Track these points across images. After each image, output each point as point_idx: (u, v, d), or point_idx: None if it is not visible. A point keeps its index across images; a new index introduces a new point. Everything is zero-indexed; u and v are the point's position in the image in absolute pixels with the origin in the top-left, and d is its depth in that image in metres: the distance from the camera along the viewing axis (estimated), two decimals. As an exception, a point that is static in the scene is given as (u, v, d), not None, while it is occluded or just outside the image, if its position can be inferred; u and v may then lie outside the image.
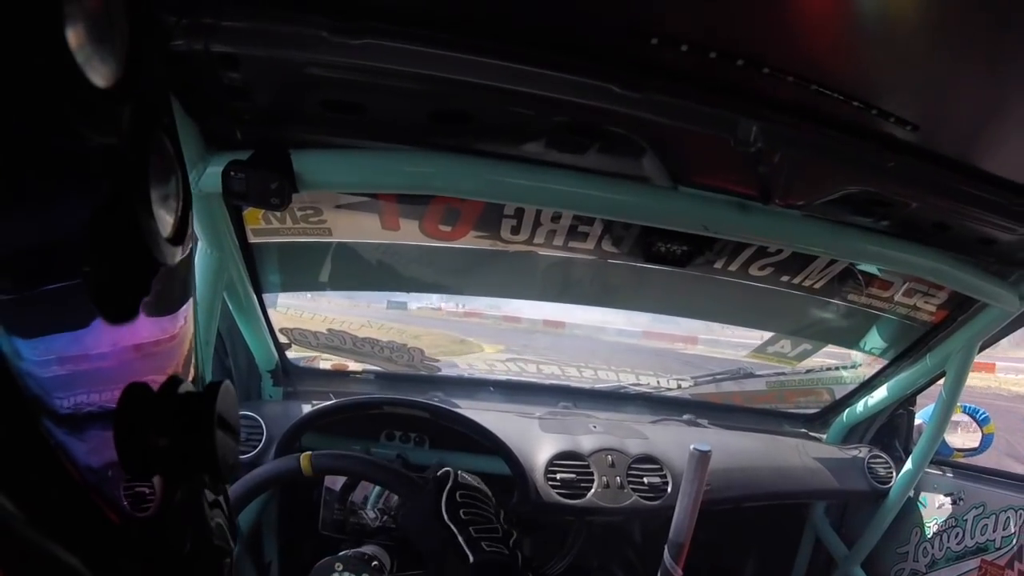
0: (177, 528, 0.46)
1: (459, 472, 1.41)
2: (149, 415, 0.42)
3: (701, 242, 1.64)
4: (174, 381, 0.46)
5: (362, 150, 1.25)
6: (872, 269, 1.89)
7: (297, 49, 0.98)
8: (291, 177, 1.21)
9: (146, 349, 0.44)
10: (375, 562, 1.45)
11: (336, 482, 1.71)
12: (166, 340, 0.48)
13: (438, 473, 1.40)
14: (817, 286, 1.91)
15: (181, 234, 0.45)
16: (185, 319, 0.51)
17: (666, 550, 1.47)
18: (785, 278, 1.87)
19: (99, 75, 0.35)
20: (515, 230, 1.65)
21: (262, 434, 1.87)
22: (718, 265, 1.79)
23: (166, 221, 0.44)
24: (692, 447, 1.42)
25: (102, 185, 0.38)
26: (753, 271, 1.82)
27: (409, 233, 1.69)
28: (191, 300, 0.53)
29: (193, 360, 0.53)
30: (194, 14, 0.92)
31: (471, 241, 1.72)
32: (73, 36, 0.33)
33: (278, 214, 1.62)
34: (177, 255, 0.45)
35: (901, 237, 1.50)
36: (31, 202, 0.33)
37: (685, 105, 1.09)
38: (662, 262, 1.70)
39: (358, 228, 1.69)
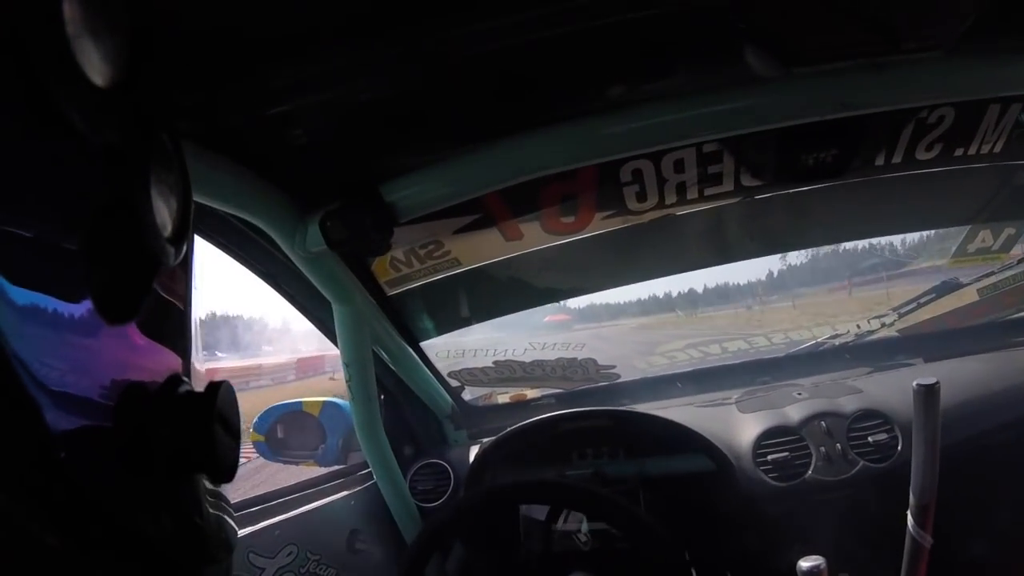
0: (175, 527, 0.45)
1: None
2: (149, 413, 0.42)
3: (850, 139, 1.42)
4: (174, 380, 0.46)
5: (447, 160, 1.22)
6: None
7: (342, 82, 0.98)
8: (385, 209, 1.22)
9: (147, 349, 0.44)
10: None
11: (533, 510, 1.63)
12: (166, 341, 0.47)
13: None
14: (998, 149, 1.57)
15: (181, 234, 0.45)
16: (185, 320, 0.51)
17: (909, 515, 1.26)
18: (959, 151, 1.55)
19: (100, 74, 0.36)
20: (641, 196, 1.50)
21: (450, 480, 1.85)
22: (880, 161, 1.53)
23: (167, 221, 0.44)
24: (915, 383, 1.21)
25: (103, 185, 0.38)
26: (921, 155, 1.53)
27: (534, 237, 1.61)
28: (191, 299, 0.52)
29: (191, 361, 0.52)
30: (239, 87, 0.95)
31: (600, 225, 1.60)
32: (73, 34, 0.33)
33: (403, 259, 1.61)
34: (178, 256, 0.45)
35: None
36: (31, 201, 0.33)
37: None
38: (816, 178, 1.50)
39: (483, 249, 1.64)
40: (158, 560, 0.41)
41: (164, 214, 0.43)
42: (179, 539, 0.45)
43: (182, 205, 0.46)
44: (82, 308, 0.36)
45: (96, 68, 0.35)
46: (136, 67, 0.39)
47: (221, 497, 0.53)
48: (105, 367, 0.39)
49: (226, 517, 0.53)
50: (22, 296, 0.31)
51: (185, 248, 0.46)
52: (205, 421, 0.43)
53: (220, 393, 0.45)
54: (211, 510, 0.50)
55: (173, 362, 0.48)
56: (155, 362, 0.45)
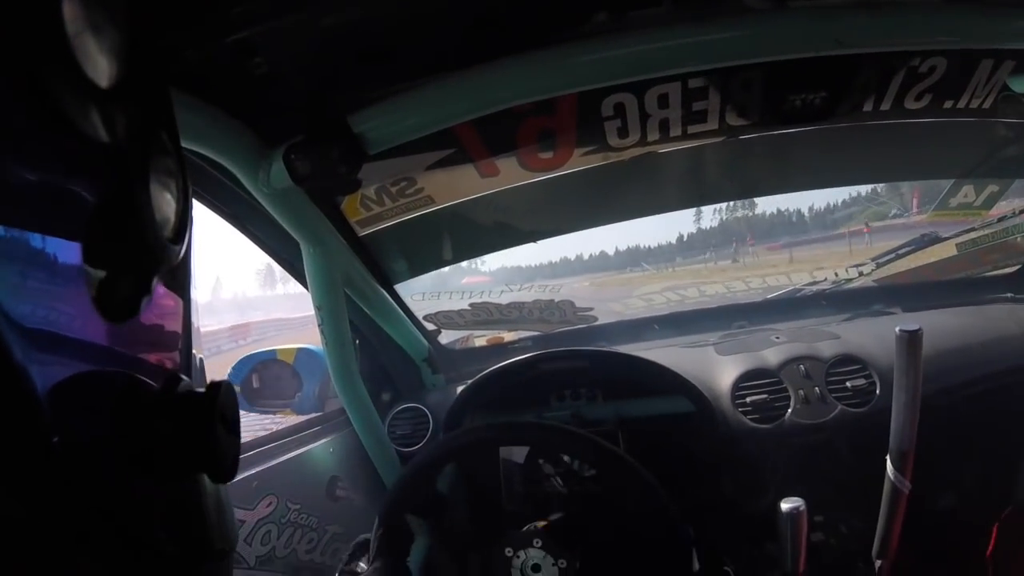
0: (177, 525, 0.45)
1: None
2: (149, 413, 0.42)
3: (839, 83, 1.39)
4: (174, 379, 0.46)
5: (419, 87, 1.15)
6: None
7: (303, 5, 0.94)
8: (352, 141, 1.15)
9: (146, 348, 0.45)
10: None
11: (512, 452, 1.62)
12: (166, 339, 0.48)
13: None
14: (987, 105, 1.56)
15: (181, 233, 0.46)
16: (185, 318, 0.51)
17: (888, 461, 1.27)
18: (948, 103, 1.53)
19: (100, 74, 0.36)
20: (622, 132, 1.45)
21: (428, 424, 1.84)
22: (868, 107, 1.50)
23: (167, 220, 0.44)
24: (898, 329, 1.20)
25: (103, 184, 0.38)
26: (910, 104, 1.50)
27: (511, 174, 1.56)
28: (191, 300, 0.52)
29: (191, 359, 0.53)
30: (197, 17, 0.91)
31: (580, 161, 1.55)
32: (73, 33, 0.33)
33: (375, 197, 1.56)
34: (178, 254, 0.46)
35: None
36: (31, 202, 0.33)
37: None
38: (802, 120, 1.47)
39: (458, 186, 1.59)
40: (160, 558, 0.42)
41: (164, 212, 0.44)
42: (180, 537, 0.45)
43: (182, 203, 0.46)
44: (82, 308, 0.36)
45: (96, 67, 0.35)
46: (137, 67, 0.40)
47: (222, 495, 0.54)
48: (105, 367, 0.39)
49: (227, 515, 0.54)
50: (23, 295, 0.31)
51: (186, 246, 0.47)
52: (206, 420, 0.43)
53: (220, 392, 0.45)
54: (212, 508, 0.50)
55: (175, 360, 0.48)
56: (156, 360, 0.46)
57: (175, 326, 0.49)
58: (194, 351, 0.54)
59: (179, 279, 0.49)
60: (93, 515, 0.35)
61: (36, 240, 0.33)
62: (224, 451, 0.44)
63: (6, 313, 0.29)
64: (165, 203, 0.44)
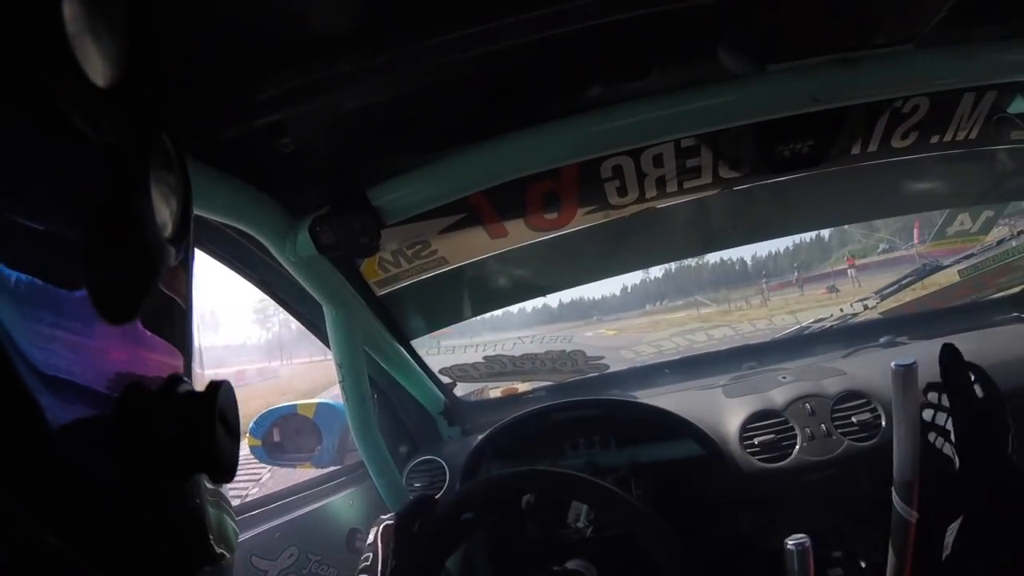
0: (176, 526, 0.45)
1: None
2: (149, 413, 0.41)
3: (826, 130, 1.43)
4: (174, 380, 0.45)
5: (432, 162, 1.24)
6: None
7: (328, 91, 1.00)
8: (373, 213, 1.24)
9: (146, 349, 0.44)
10: None
11: (532, 499, 1.65)
12: (167, 340, 0.47)
13: None
14: (973, 135, 1.59)
15: (181, 234, 0.45)
16: (185, 321, 0.50)
17: (894, 492, 1.27)
18: (935, 138, 1.57)
19: (100, 73, 0.35)
20: (621, 191, 1.52)
21: (445, 474, 1.87)
22: (856, 151, 1.55)
23: (167, 220, 0.44)
24: (893, 364, 1.21)
25: (103, 185, 0.38)
26: (896, 143, 1.55)
27: (519, 234, 1.63)
28: (191, 302, 0.52)
29: (192, 361, 0.52)
30: (228, 100, 0.98)
31: (583, 220, 1.62)
32: (73, 33, 0.33)
33: (391, 259, 1.64)
34: (178, 255, 0.45)
35: None
36: (31, 201, 0.33)
37: None
38: (793, 168, 1.51)
39: (469, 247, 1.66)
40: (159, 559, 0.42)
41: (164, 214, 0.43)
42: (180, 538, 0.45)
43: (182, 205, 0.46)
44: (84, 306, 0.36)
45: (96, 67, 0.35)
46: (137, 67, 0.39)
47: (221, 496, 0.54)
48: (105, 368, 0.39)
49: (226, 516, 0.54)
50: (23, 294, 0.31)
51: (185, 247, 0.47)
52: (206, 420, 0.43)
53: (220, 392, 0.44)
54: (212, 509, 0.50)
55: (175, 359, 0.48)
56: (156, 361, 0.45)
57: (177, 325, 0.48)
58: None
59: (179, 281, 0.48)
60: (91, 515, 0.35)
61: (34, 240, 0.33)
62: (224, 450, 0.44)
63: (5, 314, 0.29)
64: (165, 204, 0.44)
